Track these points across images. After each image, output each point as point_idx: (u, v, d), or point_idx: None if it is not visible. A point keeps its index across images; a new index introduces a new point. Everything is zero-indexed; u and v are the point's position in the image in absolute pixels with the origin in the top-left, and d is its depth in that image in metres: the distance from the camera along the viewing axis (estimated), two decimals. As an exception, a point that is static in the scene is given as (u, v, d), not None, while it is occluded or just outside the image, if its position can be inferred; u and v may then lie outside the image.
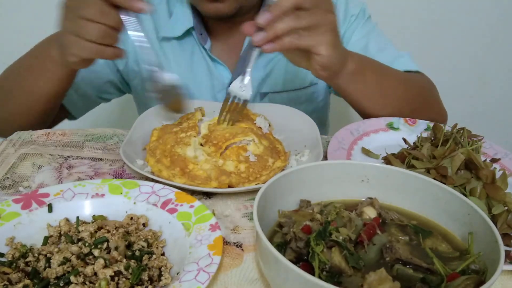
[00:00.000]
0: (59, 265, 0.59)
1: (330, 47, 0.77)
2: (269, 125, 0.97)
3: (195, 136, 0.86)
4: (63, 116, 1.18)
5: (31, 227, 0.67)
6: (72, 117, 1.20)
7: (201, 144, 0.86)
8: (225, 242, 0.68)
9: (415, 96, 1.03)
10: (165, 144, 0.84)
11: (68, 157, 0.89)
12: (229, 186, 0.78)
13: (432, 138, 0.90)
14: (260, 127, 0.94)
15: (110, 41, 0.78)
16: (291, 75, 1.18)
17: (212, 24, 1.14)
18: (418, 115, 1.00)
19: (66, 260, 0.60)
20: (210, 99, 1.18)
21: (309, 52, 0.79)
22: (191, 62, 1.16)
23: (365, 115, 1.02)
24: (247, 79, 0.83)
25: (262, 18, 0.73)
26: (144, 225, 0.70)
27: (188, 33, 1.13)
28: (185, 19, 1.11)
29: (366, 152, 0.90)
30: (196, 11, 1.12)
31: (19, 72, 1.00)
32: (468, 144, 0.83)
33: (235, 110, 0.87)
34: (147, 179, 0.79)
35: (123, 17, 0.76)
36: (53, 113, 1.07)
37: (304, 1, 0.73)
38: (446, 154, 0.79)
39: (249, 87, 0.84)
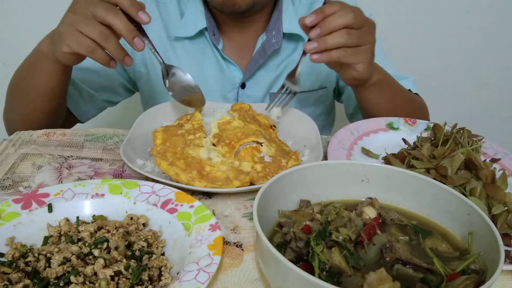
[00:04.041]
0: (59, 265, 0.59)
1: (367, 66, 0.88)
2: (274, 126, 0.97)
3: (205, 137, 0.86)
4: (74, 120, 1.20)
5: (31, 227, 0.67)
6: (81, 122, 1.23)
7: (213, 144, 0.86)
8: (225, 242, 0.68)
9: (417, 117, 1.07)
10: (175, 146, 0.83)
11: (68, 157, 0.89)
12: (251, 183, 0.78)
13: (432, 138, 0.90)
14: (271, 127, 0.95)
15: (107, 45, 0.80)
16: (302, 77, 1.17)
17: (224, 25, 1.15)
18: None
19: (66, 260, 0.60)
20: (220, 99, 1.18)
21: (347, 65, 0.88)
22: (202, 61, 1.17)
23: None
24: (298, 74, 0.94)
25: (314, 32, 0.82)
26: (144, 225, 0.70)
27: (200, 33, 1.14)
28: (197, 20, 1.12)
29: (366, 152, 0.90)
30: (209, 12, 1.13)
31: (20, 72, 1.03)
32: (468, 144, 0.83)
33: (284, 100, 0.97)
34: (147, 179, 0.79)
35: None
36: (60, 111, 1.08)
37: (355, 22, 0.82)
38: (446, 154, 0.79)
39: (298, 82, 0.94)
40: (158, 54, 0.90)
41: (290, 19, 1.13)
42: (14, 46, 1.76)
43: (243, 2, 1.02)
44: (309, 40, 0.84)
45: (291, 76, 0.94)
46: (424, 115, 1.14)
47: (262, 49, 1.13)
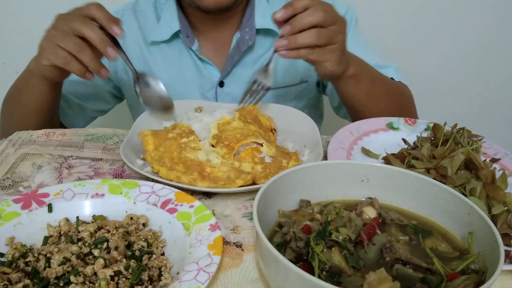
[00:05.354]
0: (59, 265, 0.59)
1: (334, 64, 0.89)
2: (275, 130, 0.96)
3: (199, 141, 0.86)
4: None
5: (31, 227, 0.67)
6: None
7: (212, 145, 0.86)
8: (225, 242, 0.68)
9: (397, 105, 1.09)
10: (170, 152, 0.83)
11: (68, 157, 0.89)
12: (253, 182, 0.78)
13: (432, 138, 0.90)
14: (271, 130, 0.95)
15: (82, 56, 0.84)
16: (281, 73, 1.19)
17: (200, 24, 1.16)
18: None
19: (66, 260, 0.60)
20: (200, 99, 1.19)
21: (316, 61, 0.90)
22: (180, 63, 1.19)
23: (353, 114, 1.10)
24: (270, 69, 0.93)
25: (285, 29, 0.83)
26: (144, 225, 0.70)
27: (176, 36, 1.16)
28: (171, 23, 1.14)
29: (366, 152, 0.90)
30: (183, 14, 1.15)
31: (12, 90, 1.07)
32: (468, 144, 0.83)
33: (257, 95, 0.97)
34: (147, 179, 0.79)
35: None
36: (52, 125, 1.09)
37: (324, 21, 0.83)
38: (446, 154, 0.79)
39: (271, 77, 0.94)
40: (131, 63, 0.93)
41: (263, 15, 1.14)
42: (14, 46, 1.76)
43: (227, 1, 1.04)
44: (281, 36, 0.85)
45: (263, 71, 0.94)
46: (408, 104, 1.15)
47: (237, 46, 1.15)
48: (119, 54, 0.88)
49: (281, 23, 0.85)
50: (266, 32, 1.15)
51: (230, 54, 1.16)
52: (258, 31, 1.15)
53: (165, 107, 0.97)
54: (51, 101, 1.02)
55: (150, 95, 0.97)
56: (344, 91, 1.02)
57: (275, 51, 0.87)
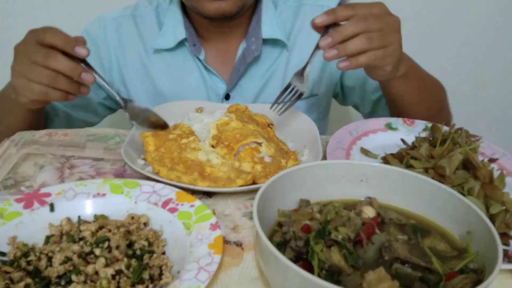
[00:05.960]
0: (60, 264, 0.59)
1: (394, 66, 0.85)
2: (272, 124, 0.97)
3: (199, 141, 0.87)
4: None
5: (33, 227, 0.68)
6: None
7: (212, 146, 0.86)
8: (225, 241, 0.69)
9: (439, 101, 1.08)
10: (170, 152, 0.83)
11: (70, 157, 0.89)
12: (253, 181, 0.79)
13: (430, 138, 0.91)
14: (269, 125, 0.94)
15: (57, 85, 0.81)
16: None
17: (206, 32, 1.11)
18: (436, 116, 1.03)
19: (68, 259, 0.60)
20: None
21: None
22: (183, 73, 1.13)
23: (399, 114, 1.05)
24: (306, 74, 0.87)
25: (324, 41, 0.77)
26: (145, 224, 0.70)
27: (180, 44, 1.11)
28: (176, 31, 1.09)
29: (365, 152, 0.90)
30: (188, 21, 1.10)
31: None
32: (466, 144, 0.83)
33: (289, 100, 0.90)
34: (148, 178, 0.79)
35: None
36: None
37: (367, 29, 0.77)
38: (444, 154, 0.79)
39: (306, 82, 0.88)
40: (109, 86, 0.88)
41: (270, 24, 1.09)
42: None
43: (230, 8, 0.99)
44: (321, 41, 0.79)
45: (299, 75, 0.87)
46: (445, 98, 1.10)
47: (243, 57, 1.10)
48: (98, 76, 0.84)
49: (320, 29, 0.79)
50: (274, 42, 1.10)
51: (235, 65, 1.10)
52: (265, 41, 1.09)
53: (157, 125, 0.92)
54: (35, 121, 1.00)
55: (140, 114, 0.92)
56: (394, 92, 0.98)
57: (315, 50, 0.81)
